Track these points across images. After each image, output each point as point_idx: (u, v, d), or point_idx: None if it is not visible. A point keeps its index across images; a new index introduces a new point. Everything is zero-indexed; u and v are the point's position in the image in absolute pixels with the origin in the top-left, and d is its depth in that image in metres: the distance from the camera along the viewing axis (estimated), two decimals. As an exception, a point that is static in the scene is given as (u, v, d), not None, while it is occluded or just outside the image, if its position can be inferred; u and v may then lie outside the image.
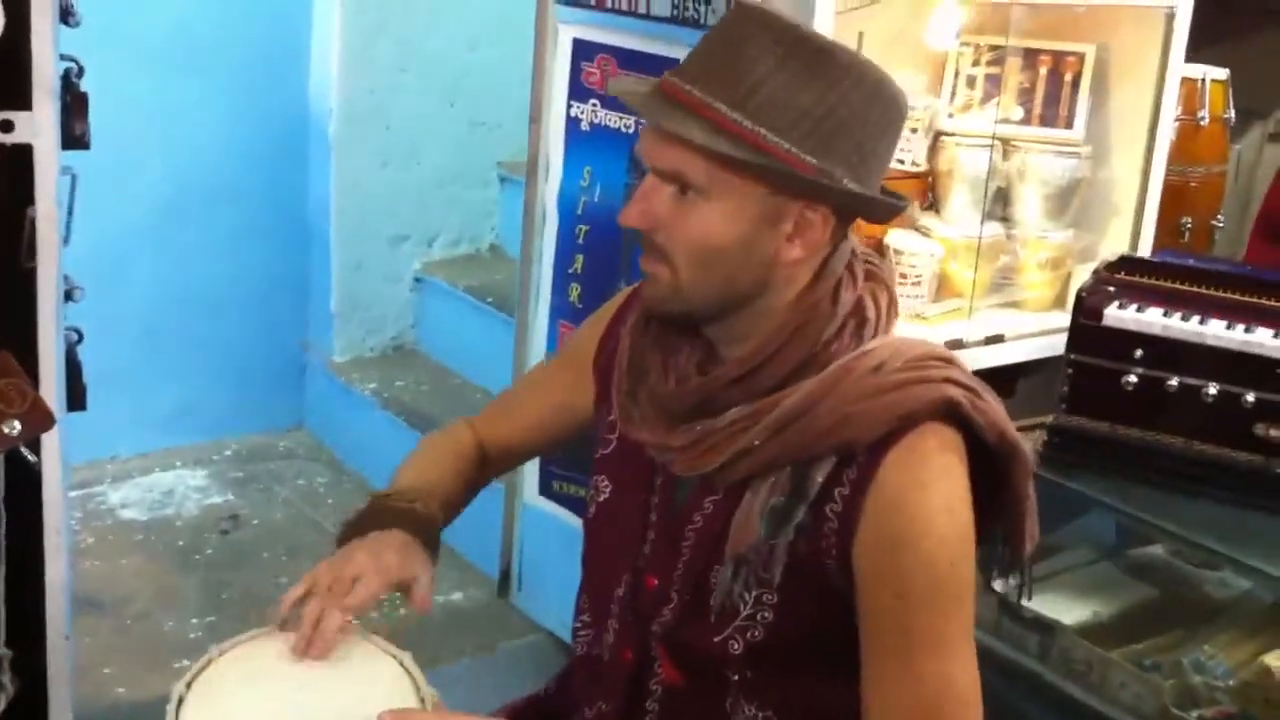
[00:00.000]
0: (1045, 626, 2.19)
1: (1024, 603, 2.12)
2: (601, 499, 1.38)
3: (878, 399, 1.19)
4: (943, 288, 2.67)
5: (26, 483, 1.86)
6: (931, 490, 1.17)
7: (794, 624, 1.21)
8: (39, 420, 1.09)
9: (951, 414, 1.20)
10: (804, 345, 1.23)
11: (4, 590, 1.93)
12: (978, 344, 2.60)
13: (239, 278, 3.80)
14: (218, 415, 3.86)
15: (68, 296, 1.76)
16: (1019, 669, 2.20)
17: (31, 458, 1.32)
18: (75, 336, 1.84)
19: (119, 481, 3.65)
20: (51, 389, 1.77)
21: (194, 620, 3.00)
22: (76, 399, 1.85)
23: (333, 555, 1.33)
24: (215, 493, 3.65)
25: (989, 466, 1.23)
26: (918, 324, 2.60)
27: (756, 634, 1.22)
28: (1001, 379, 2.61)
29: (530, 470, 2.88)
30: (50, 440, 1.82)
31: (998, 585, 2.15)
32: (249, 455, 3.86)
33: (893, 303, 1.29)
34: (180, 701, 1.17)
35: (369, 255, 3.82)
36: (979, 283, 2.67)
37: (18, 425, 1.07)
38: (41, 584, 1.89)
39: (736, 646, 1.22)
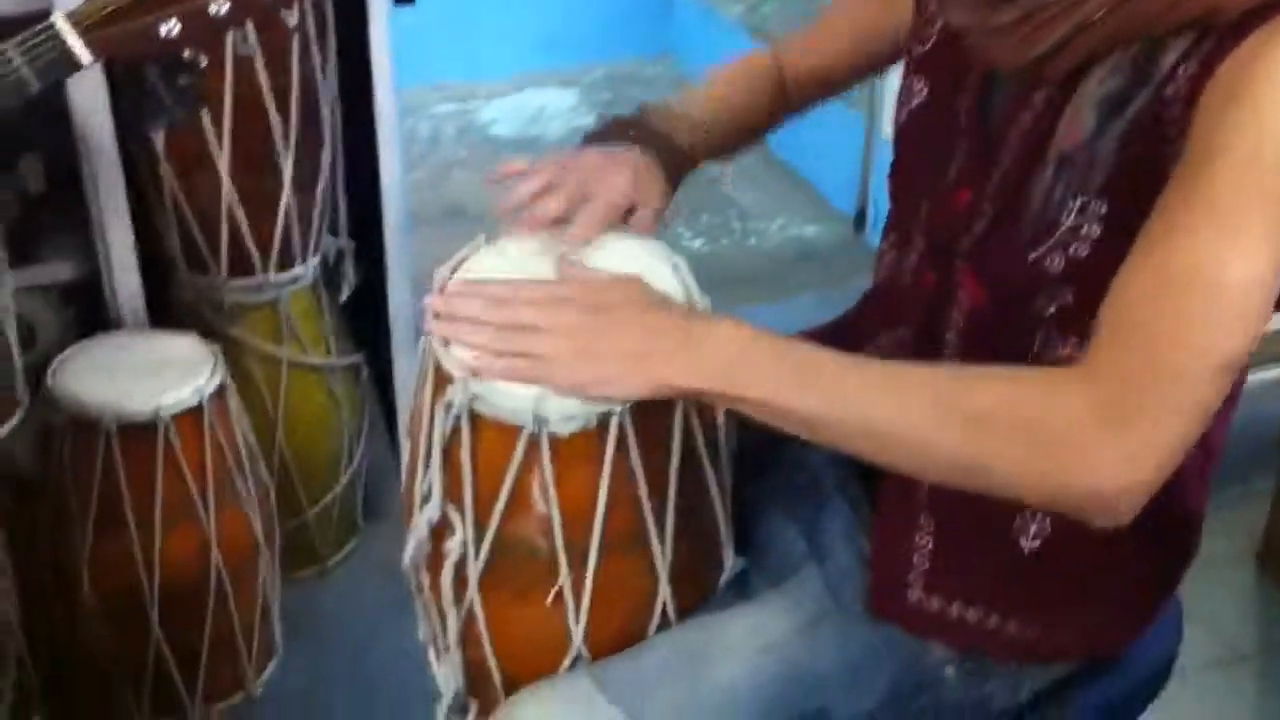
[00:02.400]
0: None
1: None
2: (915, 104, 1.21)
3: None
4: None
5: (363, 79, 1.88)
6: None
7: (1125, 241, 1.01)
8: (249, 3, 1.04)
9: None
10: None
11: (344, 185, 2.01)
12: None
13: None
14: (588, 40, 3.85)
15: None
16: None
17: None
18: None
19: (491, 100, 3.73)
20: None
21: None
22: (402, -8, 1.82)
23: (565, 154, 1.22)
24: (582, 114, 3.67)
25: None
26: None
27: (1080, 250, 1.04)
28: None
29: (890, 101, 2.69)
30: (378, 34, 1.82)
31: None
32: (617, 79, 3.84)
33: None
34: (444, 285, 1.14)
35: None
36: None
37: (226, 5, 1.03)
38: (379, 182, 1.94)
39: (1056, 263, 1.04)
